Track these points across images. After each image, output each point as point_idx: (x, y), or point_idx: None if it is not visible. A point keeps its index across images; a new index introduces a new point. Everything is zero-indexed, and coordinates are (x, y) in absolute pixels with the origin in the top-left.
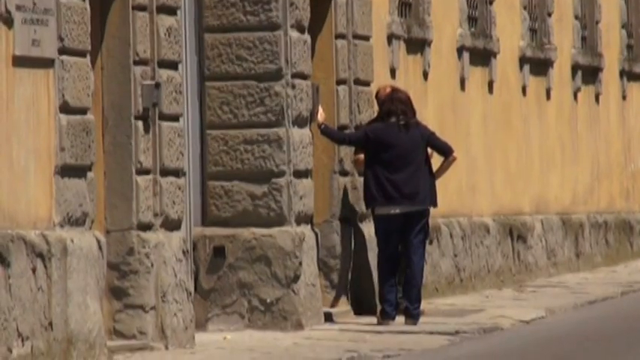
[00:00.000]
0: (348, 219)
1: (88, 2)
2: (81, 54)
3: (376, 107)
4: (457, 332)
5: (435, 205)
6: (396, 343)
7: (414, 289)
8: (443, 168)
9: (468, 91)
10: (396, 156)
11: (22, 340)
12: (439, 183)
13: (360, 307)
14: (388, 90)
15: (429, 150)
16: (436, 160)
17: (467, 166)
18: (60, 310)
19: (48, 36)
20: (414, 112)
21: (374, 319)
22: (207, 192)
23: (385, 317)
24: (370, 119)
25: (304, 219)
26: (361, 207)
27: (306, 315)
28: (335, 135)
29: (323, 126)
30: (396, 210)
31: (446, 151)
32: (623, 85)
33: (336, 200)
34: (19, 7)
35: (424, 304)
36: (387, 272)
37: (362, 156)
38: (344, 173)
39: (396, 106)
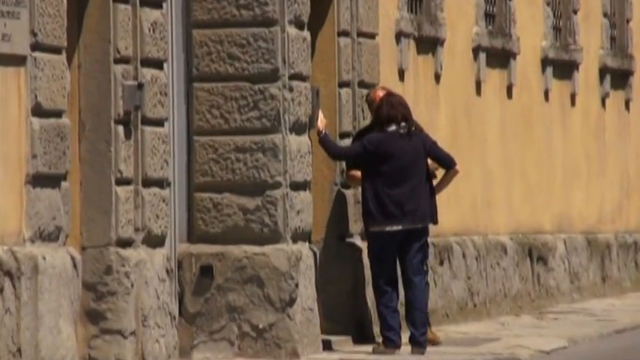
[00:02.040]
0: (350, 236)
1: None
2: (56, 50)
3: None
4: None
5: (435, 222)
6: None
7: (418, 312)
8: (444, 182)
9: (485, 96)
10: (396, 168)
11: None
12: (450, 198)
13: (362, 335)
14: (381, 93)
15: (431, 162)
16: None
17: (482, 179)
18: (30, 335)
19: (19, 30)
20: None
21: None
22: (194, 205)
23: (390, 346)
24: (362, 128)
25: (301, 236)
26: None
27: (302, 343)
28: (331, 148)
29: (323, 134)
30: (397, 227)
31: (448, 163)
32: None
33: (336, 216)
34: None
35: (437, 332)
36: (387, 296)
37: (358, 172)
38: (346, 186)
39: (397, 110)
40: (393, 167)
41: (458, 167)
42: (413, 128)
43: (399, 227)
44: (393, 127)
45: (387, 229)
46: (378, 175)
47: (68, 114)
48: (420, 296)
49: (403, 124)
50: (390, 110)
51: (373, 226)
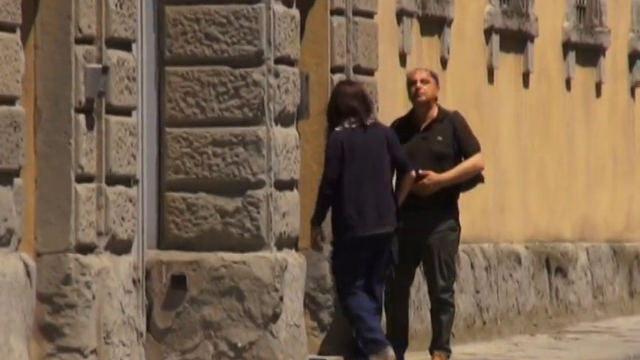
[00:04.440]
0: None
1: None
2: (9, 29)
3: (384, 103)
4: None
5: (399, 225)
6: None
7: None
8: (402, 191)
9: (498, 84)
10: (364, 166)
11: None
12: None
13: (355, 354)
14: (421, 75)
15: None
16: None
17: (494, 180)
18: None
19: None
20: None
21: None
22: (165, 206)
23: (379, 346)
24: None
25: (287, 242)
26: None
27: None
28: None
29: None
30: (372, 232)
31: (403, 165)
32: None
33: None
34: None
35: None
36: (359, 299)
37: None
38: None
39: (359, 102)
40: (360, 165)
41: (413, 174)
42: (371, 120)
43: (379, 231)
44: (352, 120)
45: (365, 233)
46: (350, 176)
47: (22, 101)
48: (377, 310)
49: (363, 115)
50: (349, 101)
51: (347, 233)
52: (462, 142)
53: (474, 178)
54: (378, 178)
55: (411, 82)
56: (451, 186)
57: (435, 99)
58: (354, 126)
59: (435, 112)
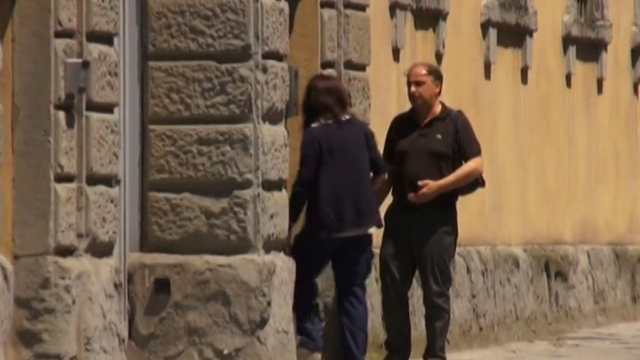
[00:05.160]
0: None
1: None
2: None
3: (377, 99)
4: None
5: (380, 225)
6: None
7: (362, 333)
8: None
9: (495, 80)
10: (341, 164)
11: None
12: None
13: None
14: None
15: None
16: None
17: (492, 180)
18: None
19: None
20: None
21: None
22: (148, 207)
23: (311, 345)
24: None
25: (275, 245)
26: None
27: None
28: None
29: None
30: (351, 232)
31: (378, 167)
32: None
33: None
34: None
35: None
36: (308, 307)
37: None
38: None
39: (332, 97)
40: (338, 163)
41: (386, 177)
42: (347, 117)
43: (359, 232)
44: (327, 117)
45: (342, 235)
46: (327, 174)
47: None
48: (364, 314)
49: (337, 110)
50: (323, 97)
51: (330, 231)
52: (462, 144)
53: (474, 182)
54: (356, 177)
55: (408, 82)
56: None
57: (435, 96)
58: (329, 122)
59: (437, 109)
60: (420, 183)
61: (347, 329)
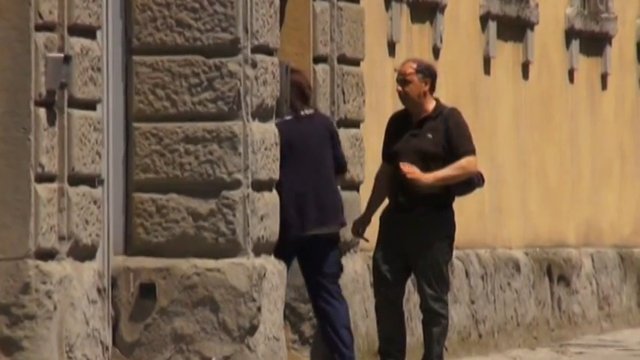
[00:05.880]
0: None
1: None
2: None
3: (371, 95)
4: None
5: (344, 224)
6: None
7: (346, 330)
8: None
9: (495, 76)
10: (303, 161)
11: None
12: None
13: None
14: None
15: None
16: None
17: (491, 180)
18: None
19: None
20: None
21: None
22: (133, 208)
23: None
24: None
25: (266, 248)
26: (344, 234)
27: None
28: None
29: None
30: (314, 232)
31: (340, 164)
32: None
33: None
34: None
35: None
36: None
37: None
38: None
39: (292, 91)
40: (302, 158)
41: (347, 176)
42: (308, 112)
43: (323, 231)
44: (289, 111)
45: (307, 233)
46: (288, 172)
47: None
48: (343, 311)
49: (299, 104)
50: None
51: (292, 231)
52: (453, 143)
53: (468, 182)
54: (318, 174)
55: (397, 80)
56: (444, 187)
57: (424, 94)
58: (289, 117)
59: (430, 107)
60: (405, 167)
61: (329, 328)
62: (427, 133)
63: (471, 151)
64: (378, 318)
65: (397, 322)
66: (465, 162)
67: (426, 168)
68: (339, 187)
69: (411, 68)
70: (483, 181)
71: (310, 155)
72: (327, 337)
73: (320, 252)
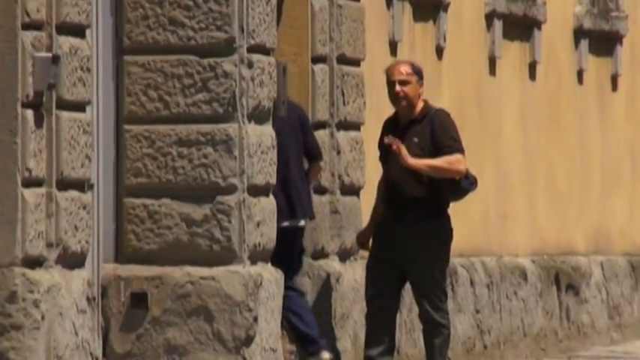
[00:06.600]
0: (325, 256)
1: None
2: None
3: (372, 96)
4: None
5: (312, 217)
6: None
7: (303, 309)
8: (309, 181)
9: (501, 76)
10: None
11: None
12: (455, 208)
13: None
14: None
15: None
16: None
17: (496, 184)
18: None
19: None
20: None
21: None
22: (124, 214)
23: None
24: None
25: (262, 255)
26: (344, 239)
27: None
28: None
29: None
30: (281, 224)
31: (313, 153)
32: None
33: (307, 229)
34: None
35: None
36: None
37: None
38: (320, 190)
39: None
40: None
41: (322, 164)
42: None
43: (291, 224)
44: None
45: (299, 224)
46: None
47: None
48: (298, 297)
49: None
50: None
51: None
52: (439, 143)
53: (457, 185)
54: (287, 165)
55: (390, 82)
56: (436, 193)
57: (419, 96)
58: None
59: (417, 110)
60: (387, 139)
61: (288, 313)
62: (413, 137)
63: (458, 150)
64: (367, 327)
65: (386, 332)
66: (453, 158)
67: (413, 172)
68: (313, 178)
69: (408, 69)
70: (476, 184)
71: (278, 145)
72: (289, 322)
73: (286, 246)
